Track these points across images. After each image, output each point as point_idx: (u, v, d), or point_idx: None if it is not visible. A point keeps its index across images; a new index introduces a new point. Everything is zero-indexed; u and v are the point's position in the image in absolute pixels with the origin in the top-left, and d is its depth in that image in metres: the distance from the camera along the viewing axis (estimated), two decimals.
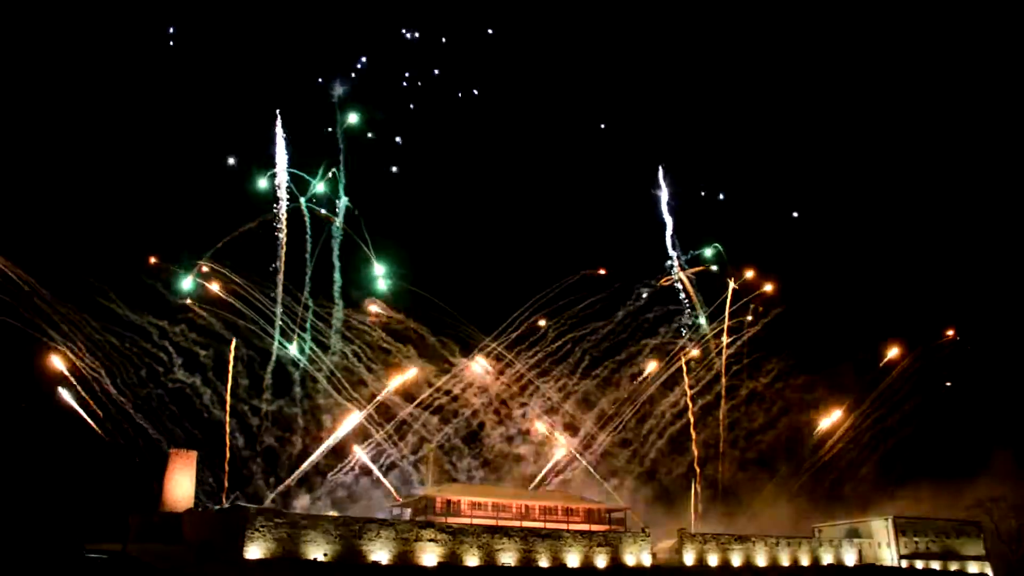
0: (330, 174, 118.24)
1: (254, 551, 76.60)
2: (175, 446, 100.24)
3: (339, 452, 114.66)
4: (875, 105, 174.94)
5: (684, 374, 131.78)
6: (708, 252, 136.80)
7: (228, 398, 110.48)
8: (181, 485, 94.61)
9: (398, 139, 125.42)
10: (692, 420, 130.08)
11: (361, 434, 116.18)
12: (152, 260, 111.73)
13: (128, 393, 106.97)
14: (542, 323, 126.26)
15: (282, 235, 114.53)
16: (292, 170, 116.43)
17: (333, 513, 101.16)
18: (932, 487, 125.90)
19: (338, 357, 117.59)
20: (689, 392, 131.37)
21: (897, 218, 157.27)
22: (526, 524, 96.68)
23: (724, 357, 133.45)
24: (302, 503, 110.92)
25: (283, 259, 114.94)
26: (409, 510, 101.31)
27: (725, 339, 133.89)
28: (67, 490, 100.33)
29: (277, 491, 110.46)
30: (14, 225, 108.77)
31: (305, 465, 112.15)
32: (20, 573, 69.13)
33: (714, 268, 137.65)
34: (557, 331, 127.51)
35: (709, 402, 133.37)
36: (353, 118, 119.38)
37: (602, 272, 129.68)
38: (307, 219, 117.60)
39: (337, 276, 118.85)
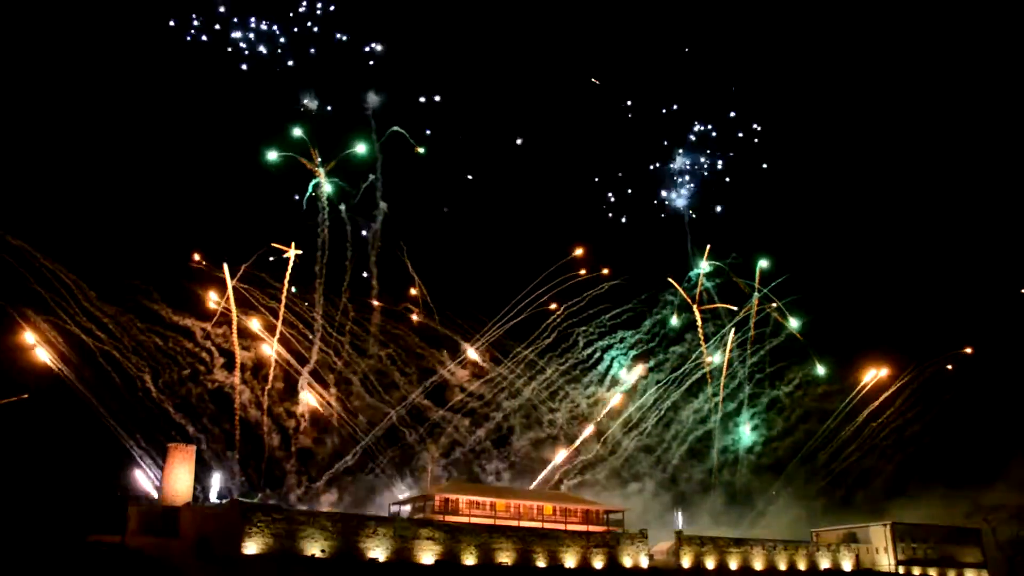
0: (369, 179, 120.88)
1: (251, 547, 76.85)
2: (214, 444, 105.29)
3: (369, 451, 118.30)
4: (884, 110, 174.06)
5: (708, 382, 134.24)
6: (729, 261, 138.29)
7: (265, 399, 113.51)
8: (180, 479, 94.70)
9: (446, 210, 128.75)
10: (716, 426, 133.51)
11: (392, 434, 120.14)
12: (196, 257, 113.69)
13: (168, 391, 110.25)
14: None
15: (323, 254, 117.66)
16: (333, 180, 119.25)
17: (331, 509, 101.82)
18: (948, 495, 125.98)
19: (374, 360, 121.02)
20: (711, 400, 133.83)
21: (911, 223, 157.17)
22: (524, 524, 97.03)
23: (747, 364, 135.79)
24: (330, 500, 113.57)
25: (323, 265, 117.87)
26: (408, 508, 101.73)
27: (749, 348, 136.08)
28: (69, 481, 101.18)
29: (303, 489, 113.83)
30: (60, 226, 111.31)
31: (338, 465, 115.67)
32: (22, 562, 69.69)
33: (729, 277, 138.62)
34: (587, 339, 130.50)
35: (731, 409, 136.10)
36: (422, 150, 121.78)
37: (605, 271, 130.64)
38: (348, 227, 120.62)
39: (375, 283, 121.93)
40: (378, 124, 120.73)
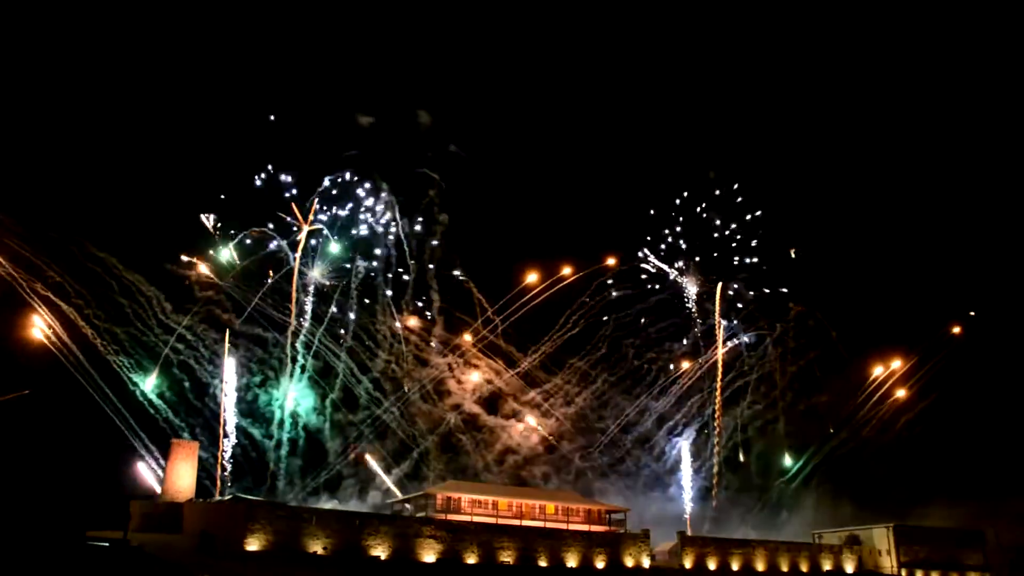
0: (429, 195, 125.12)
1: (253, 544, 76.81)
2: (273, 448, 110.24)
3: (422, 456, 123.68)
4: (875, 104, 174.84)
5: (749, 390, 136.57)
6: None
7: (327, 407, 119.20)
8: (183, 475, 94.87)
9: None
10: (750, 434, 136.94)
11: (447, 441, 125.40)
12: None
13: (234, 396, 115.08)
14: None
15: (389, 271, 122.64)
16: (395, 197, 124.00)
17: (334, 507, 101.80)
18: (967, 501, 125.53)
19: (436, 371, 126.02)
20: (749, 408, 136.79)
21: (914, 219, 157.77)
22: (526, 523, 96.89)
23: (783, 375, 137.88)
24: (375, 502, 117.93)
25: (388, 282, 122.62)
26: (410, 506, 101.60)
27: (788, 359, 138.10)
28: (70, 477, 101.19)
29: (356, 489, 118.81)
30: (139, 238, 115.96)
31: (395, 470, 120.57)
32: (22, 558, 69.53)
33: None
34: (635, 351, 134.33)
35: (767, 416, 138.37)
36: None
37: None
38: (414, 243, 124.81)
39: (436, 296, 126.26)
40: (432, 139, 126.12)
